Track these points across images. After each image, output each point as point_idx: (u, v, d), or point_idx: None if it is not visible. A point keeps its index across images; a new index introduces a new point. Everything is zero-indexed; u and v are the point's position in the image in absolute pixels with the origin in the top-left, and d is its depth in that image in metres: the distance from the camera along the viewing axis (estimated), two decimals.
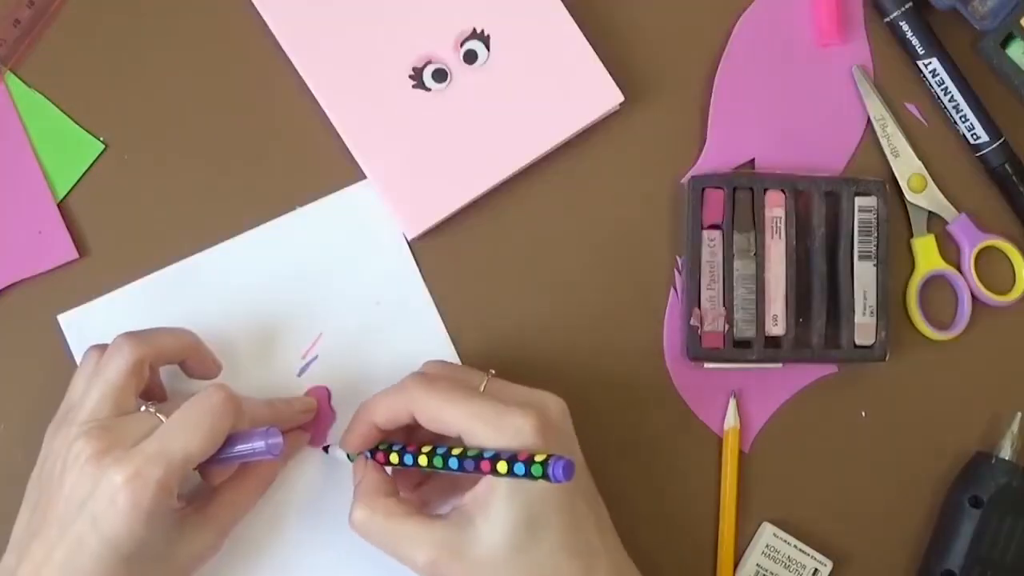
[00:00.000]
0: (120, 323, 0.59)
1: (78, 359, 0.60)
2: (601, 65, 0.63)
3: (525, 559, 0.53)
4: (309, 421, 0.62)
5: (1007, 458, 0.64)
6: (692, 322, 0.64)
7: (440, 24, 0.63)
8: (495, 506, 0.53)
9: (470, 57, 0.63)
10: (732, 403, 0.65)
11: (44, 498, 0.55)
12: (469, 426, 0.54)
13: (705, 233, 0.64)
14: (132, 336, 0.56)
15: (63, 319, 0.62)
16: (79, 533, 0.52)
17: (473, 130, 0.63)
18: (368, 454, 0.58)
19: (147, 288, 0.63)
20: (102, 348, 0.57)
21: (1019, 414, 0.65)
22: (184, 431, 0.54)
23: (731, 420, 0.65)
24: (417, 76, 0.63)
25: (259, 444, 0.54)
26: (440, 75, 0.63)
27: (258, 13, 0.64)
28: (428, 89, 0.63)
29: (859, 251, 0.64)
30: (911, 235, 0.67)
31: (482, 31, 0.63)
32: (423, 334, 0.64)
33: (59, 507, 0.53)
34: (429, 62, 0.63)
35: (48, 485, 0.55)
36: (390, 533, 0.55)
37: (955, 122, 0.66)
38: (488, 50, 0.63)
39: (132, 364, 0.55)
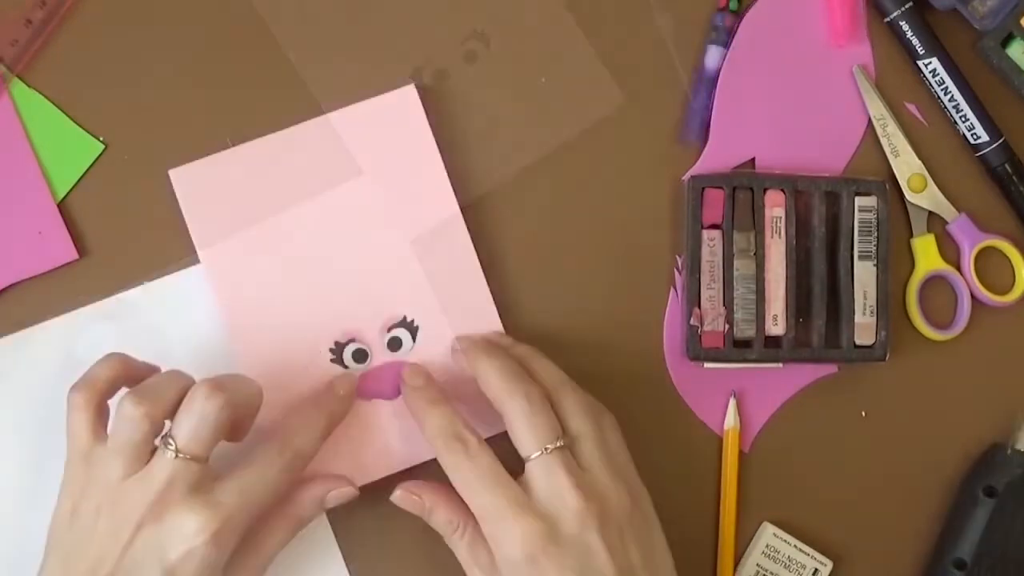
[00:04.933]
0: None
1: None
2: None
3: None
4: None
5: (1023, 449, 0.64)
6: (692, 322, 0.64)
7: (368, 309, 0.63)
8: None
9: (394, 344, 0.63)
10: (732, 403, 0.65)
11: (87, 549, 0.53)
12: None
13: (705, 233, 0.64)
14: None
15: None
16: None
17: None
18: None
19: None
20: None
21: None
22: (261, 485, 0.55)
23: (731, 420, 0.65)
24: (337, 351, 0.63)
25: None
26: (360, 355, 0.63)
27: (259, 15, 0.64)
28: (345, 366, 0.63)
29: (859, 251, 0.64)
30: (911, 235, 0.67)
31: (411, 320, 0.63)
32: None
33: (112, 552, 0.53)
34: (352, 340, 0.63)
35: (92, 536, 0.53)
36: None
37: (955, 122, 0.66)
38: (413, 341, 0.63)
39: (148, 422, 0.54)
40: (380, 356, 0.63)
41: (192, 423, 0.54)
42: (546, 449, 0.55)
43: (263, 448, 0.57)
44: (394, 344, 0.63)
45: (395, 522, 0.61)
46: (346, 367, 0.63)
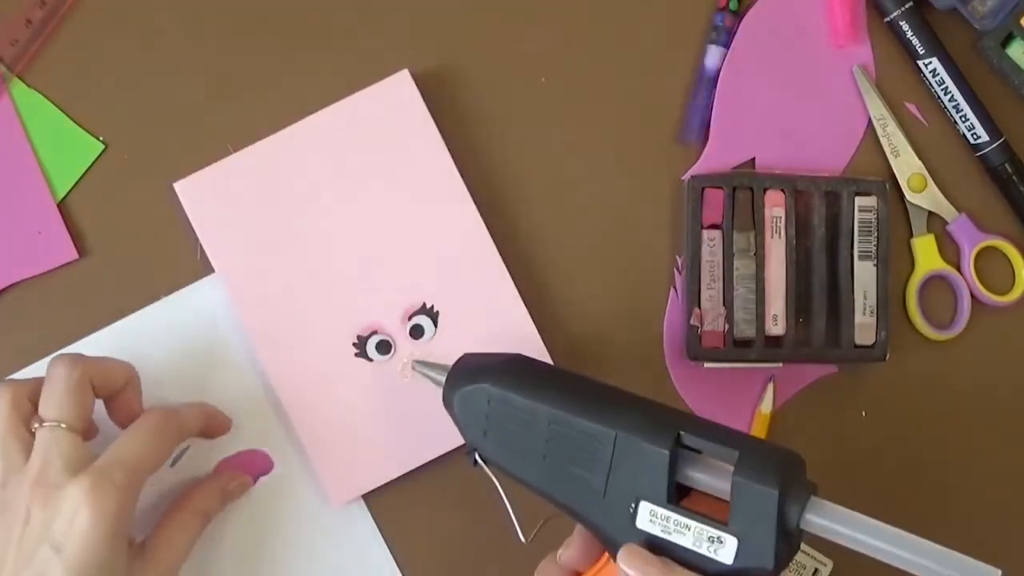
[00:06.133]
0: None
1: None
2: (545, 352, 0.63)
3: None
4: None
5: None
6: (692, 322, 0.64)
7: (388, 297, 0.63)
8: None
9: (416, 332, 0.63)
10: (770, 388, 0.65)
11: None
12: None
13: (705, 233, 0.64)
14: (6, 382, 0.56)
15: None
16: (39, 568, 0.51)
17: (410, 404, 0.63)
18: None
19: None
20: None
21: None
22: (134, 443, 0.54)
23: (768, 405, 0.65)
24: (361, 345, 0.63)
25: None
26: (384, 347, 0.63)
27: (258, 11, 0.64)
28: (370, 359, 0.63)
29: (859, 251, 0.64)
30: (911, 235, 0.67)
31: (431, 307, 0.63)
32: None
33: (10, 551, 0.52)
34: (374, 332, 0.63)
35: None
36: None
37: (955, 122, 0.66)
38: (435, 327, 0.63)
39: (9, 402, 0.55)
40: (404, 345, 0.63)
41: (52, 390, 0.54)
42: None
43: (143, 417, 0.57)
44: (416, 332, 0.63)
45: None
46: (371, 360, 0.63)
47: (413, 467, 0.62)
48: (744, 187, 0.64)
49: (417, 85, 0.63)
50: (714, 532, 0.49)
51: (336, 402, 0.62)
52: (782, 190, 0.64)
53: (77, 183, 0.63)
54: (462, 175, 0.63)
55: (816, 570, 0.65)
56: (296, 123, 0.63)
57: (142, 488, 0.54)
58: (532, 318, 0.63)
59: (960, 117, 0.66)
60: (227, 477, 0.62)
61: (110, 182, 0.64)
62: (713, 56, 0.66)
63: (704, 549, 0.49)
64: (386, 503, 0.63)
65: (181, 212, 0.63)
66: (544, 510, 0.58)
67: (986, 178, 0.67)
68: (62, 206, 0.63)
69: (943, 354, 0.67)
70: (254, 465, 0.62)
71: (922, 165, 0.66)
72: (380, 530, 0.63)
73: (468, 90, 0.65)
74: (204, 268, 0.63)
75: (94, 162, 0.64)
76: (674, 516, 0.49)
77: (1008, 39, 0.65)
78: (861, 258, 0.65)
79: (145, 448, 0.55)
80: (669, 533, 0.49)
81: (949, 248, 0.67)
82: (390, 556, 0.63)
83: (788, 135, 0.66)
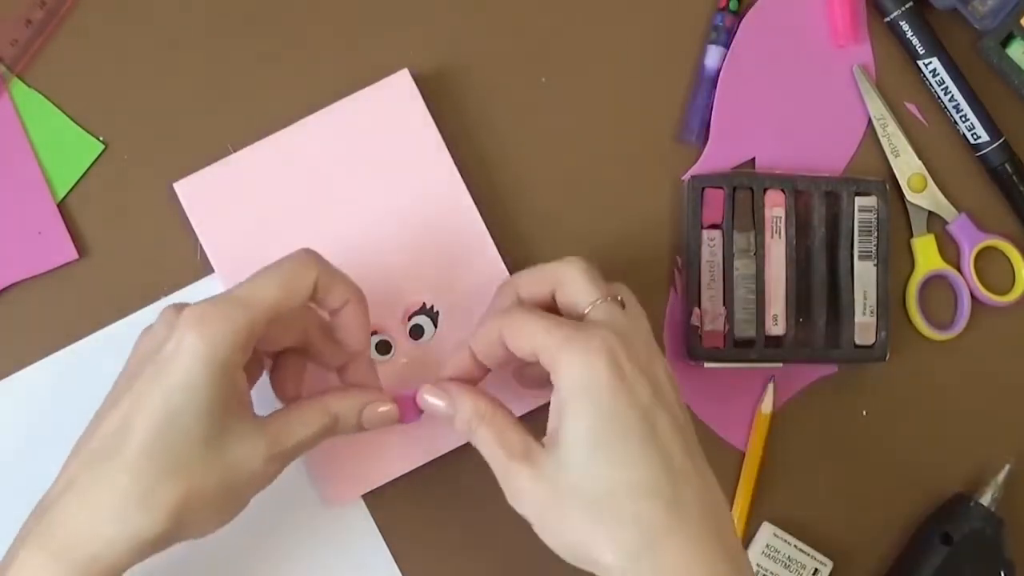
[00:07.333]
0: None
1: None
2: None
3: (602, 477, 0.50)
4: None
5: (986, 504, 0.64)
6: (692, 322, 0.64)
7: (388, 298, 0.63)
8: (564, 431, 0.51)
9: (416, 332, 0.63)
10: (770, 388, 0.65)
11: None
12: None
13: (705, 233, 0.64)
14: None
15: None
16: (139, 390, 0.50)
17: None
18: None
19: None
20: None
21: (1007, 466, 0.65)
22: (264, 280, 0.52)
23: (767, 406, 0.65)
24: None
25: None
26: (384, 347, 0.63)
27: (258, 11, 0.64)
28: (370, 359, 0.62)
29: (859, 251, 0.65)
30: (911, 235, 0.67)
31: (431, 307, 0.63)
32: None
33: (122, 378, 0.53)
34: (374, 332, 0.63)
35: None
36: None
37: (955, 122, 0.66)
38: (435, 327, 0.63)
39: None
40: (404, 345, 0.63)
41: (276, 279, 0.53)
42: (604, 299, 0.54)
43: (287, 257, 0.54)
44: (416, 332, 0.63)
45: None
46: (370, 359, 0.62)
47: (413, 467, 0.62)
48: (744, 187, 0.64)
49: (417, 85, 0.63)
50: None
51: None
52: (782, 190, 0.64)
53: (77, 183, 0.63)
54: (462, 175, 0.63)
55: (816, 570, 0.65)
56: (296, 123, 0.63)
57: (262, 331, 0.52)
58: None
59: (960, 117, 0.66)
60: (373, 394, 0.57)
61: (110, 182, 0.64)
62: (713, 56, 0.66)
63: None
64: (386, 503, 0.63)
65: (181, 212, 0.63)
66: None
67: (986, 178, 0.67)
68: (62, 206, 0.63)
69: (943, 354, 0.67)
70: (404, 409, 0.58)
71: (922, 165, 0.66)
72: (380, 530, 0.63)
73: (468, 90, 0.65)
74: (204, 268, 0.63)
75: (94, 162, 0.64)
76: None
77: (1008, 39, 0.65)
78: (861, 258, 0.65)
79: (272, 289, 0.52)
80: None
81: (949, 248, 0.67)
82: (390, 556, 0.63)
83: (788, 135, 0.66)
